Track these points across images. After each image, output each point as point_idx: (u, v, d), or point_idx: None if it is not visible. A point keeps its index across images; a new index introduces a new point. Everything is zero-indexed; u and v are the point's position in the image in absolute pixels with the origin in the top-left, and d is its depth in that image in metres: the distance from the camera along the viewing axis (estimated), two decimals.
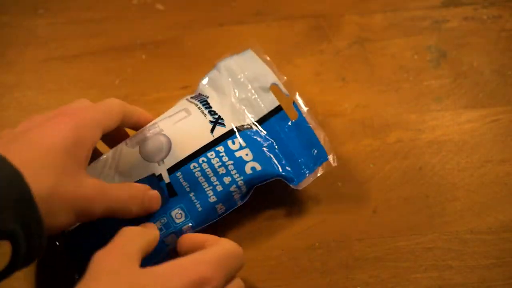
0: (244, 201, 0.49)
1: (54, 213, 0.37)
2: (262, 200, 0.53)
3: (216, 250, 0.39)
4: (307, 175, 0.50)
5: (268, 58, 0.54)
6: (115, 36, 0.67)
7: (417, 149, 0.56)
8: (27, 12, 0.69)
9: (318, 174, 0.50)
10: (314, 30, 0.66)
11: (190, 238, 0.44)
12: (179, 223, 0.46)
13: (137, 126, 0.49)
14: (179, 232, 0.46)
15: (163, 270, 0.37)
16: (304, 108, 0.51)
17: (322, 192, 0.54)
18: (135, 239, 0.40)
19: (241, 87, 0.52)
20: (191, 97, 0.53)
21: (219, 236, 0.43)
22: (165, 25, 0.68)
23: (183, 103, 0.52)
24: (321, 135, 0.51)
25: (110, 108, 0.44)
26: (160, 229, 0.45)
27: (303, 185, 0.50)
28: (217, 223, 0.48)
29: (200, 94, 0.53)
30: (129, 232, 0.40)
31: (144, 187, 0.45)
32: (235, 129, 0.49)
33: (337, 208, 0.53)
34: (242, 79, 0.52)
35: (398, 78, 0.62)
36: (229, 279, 0.39)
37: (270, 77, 0.52)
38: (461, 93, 0.61)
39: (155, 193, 0.45)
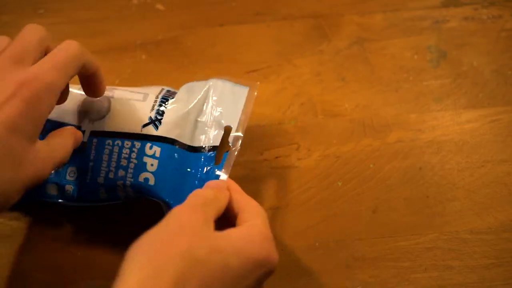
0: (125, 200, 0.49)
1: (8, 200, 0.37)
2: (262, 200, 0.53)
3: (263, 227, 0.40)
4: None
5: (251, 104, 0.52)
6: (115, 36, 0.67)
7: (417, 149, 0.57)
8: (27, 12, 0.69)
9: None
10: (314, 30, 0.66)
11: (242, 199, 0.44)
12: (66, 180, 0.48)
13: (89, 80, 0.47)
14: (61, 188, 0.48)
15: (236, 237, 0.37)
16: (224, 176, 0.48)
17: (322, 192, 0.54)
18: (212, 203, 0.40)
19: (207, 111, 0.51)
20: (167, 90, 0.53)
21: None
22: (165, 25, 0.68)
23: (154, 89, 0.53)
24: None
25: (69, 60, 0.42)
26: (50, 174, 0.47)
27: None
28: None
29: (173, 92, 0.53)
30: (206, 194, 0.41)
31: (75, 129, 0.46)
32: (162, 138, 0.49)
33: (337, 208, 0.53)
34: (213, 106, 0.51)
35: (398, 78, 0.62)
36: None
37: (233, 121, 0.51)
38: (461, 93, 0.61)
39: (80, 134, 0.47)
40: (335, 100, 0.60)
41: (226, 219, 0.42)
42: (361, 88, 0.61)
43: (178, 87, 0.62)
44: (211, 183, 0.45)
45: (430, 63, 0.63)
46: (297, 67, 0.63)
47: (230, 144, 0.50)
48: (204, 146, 0.50)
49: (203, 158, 0.49)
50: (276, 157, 0.56)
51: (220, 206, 0.41)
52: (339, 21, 0.67)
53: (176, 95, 0.52)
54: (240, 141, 0.49)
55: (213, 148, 0.50)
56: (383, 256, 0.50)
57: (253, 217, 0.41)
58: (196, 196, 0.40)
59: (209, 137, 0.50)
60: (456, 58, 0.63)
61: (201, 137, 0.50)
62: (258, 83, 0.52)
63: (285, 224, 0.53)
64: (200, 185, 0.48)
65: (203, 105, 0.51)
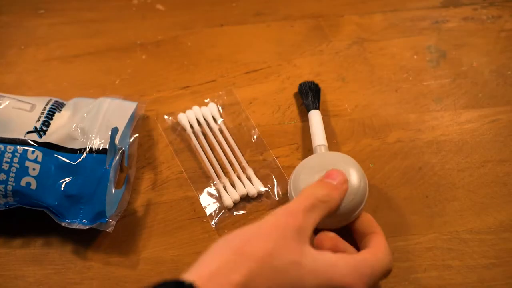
0: (6, 208, 0.50)
1: None
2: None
3: (370, 262, 0.39)
4: (81, 223, 0.49)
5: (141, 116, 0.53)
6: (115, 36, 0.67)
7: (417, 149, 0.57)
8: (27, 12, 0.69)
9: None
10: (313, 30, 0.66)
11: (377, 225, 0.45)
12: None
13: None
14: None
15: (323, 267, 0.37)
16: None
17: None
18: (321, 205, 0.40)
19: (94, 122, 0.52)
20: (56, 101, 0.54)
21: None
22: (165, 25, 0.68)
23: (42, 100, 0.54)
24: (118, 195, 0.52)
25: None
26: None
27: (74, 226, 0.49)
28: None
29: (61, 103, 0.55)
30: (317, 195, 0.41)
31: None
32: (45, 144, 0.50)
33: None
34: (101, 117, 0.52)
35: (398, 78, 0.62)
36: None
37: (120, 125, 0.52)
38: (461, 93, 0.61)
39: None
40: (335, 100, 0.60)
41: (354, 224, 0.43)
42: (361, 88, 0.61)
43: (178, 87, 0.62)
44: (332, 172, 0.44)
45: (430, 63, 0.63)
46: (297, 67, 0.63)
47: (118, 146, 0.51)
48: (91, 148, 0.50)
49: (90, 160, 0.50)
50: (276, 157, 0.56)
51: (331, 206, 0.41)
52: (339, 21, 0.67)
53: (64, 108, 0.54)
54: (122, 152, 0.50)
55: (101, 151, 0.50)
56: None
57: (375, 252, 0.41)
58: (304, 197, 0.40)
59: (96, 142, 0.51)
60: (455, 58, 0.63)
61: (86, 142, 0.51)
62: (145, 104, 0.55)
63: None
64: (90, 186, 0.49)
65: (90, 116, 0.53)
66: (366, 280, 0.38)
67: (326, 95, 0.61)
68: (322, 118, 0.57)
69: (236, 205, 0.53)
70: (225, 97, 0.60)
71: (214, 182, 0.54)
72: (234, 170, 0.55)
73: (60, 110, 0.54)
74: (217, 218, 0.52)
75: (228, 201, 0.53)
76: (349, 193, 0.47)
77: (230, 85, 0.62)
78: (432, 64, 0.63)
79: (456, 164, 0.55)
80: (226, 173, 0.55)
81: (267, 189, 0.54)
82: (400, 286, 0.49)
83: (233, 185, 0.54)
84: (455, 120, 0.59)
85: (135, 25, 0.68)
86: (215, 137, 0.57)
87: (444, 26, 0.66)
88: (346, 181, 0.44)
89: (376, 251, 0.41)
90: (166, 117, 0.59)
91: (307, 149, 0.57)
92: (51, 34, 0.67)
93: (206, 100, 0.60)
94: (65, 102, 0.55)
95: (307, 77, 0.62)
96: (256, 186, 0.53)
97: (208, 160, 0.56)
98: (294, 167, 0.55)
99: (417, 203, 0.53)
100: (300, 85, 0.60)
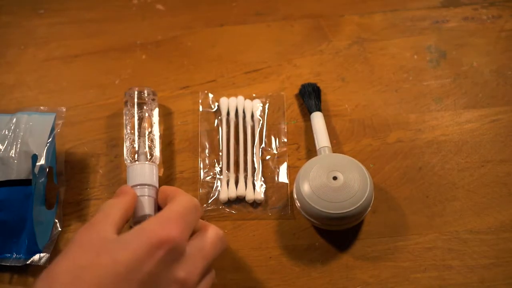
0: None
1: None
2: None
3: (173, 208, 0.41)
4: (15, 259, 0.49)
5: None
6: (115, 36, 0.67)
7: (417, 149, 0.57)
8: (27, 12, 0.69)
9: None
10: (314, 30, 0.66)
11: (161, 191, 0.48)
12: None
13: None
14: None
15: (129, 235, 0.39)
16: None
17: None
18: (111, 212, 0.42)
19: (13, 146, 0.50)
20: None
21: None
22: (165, 25, 0.68)
23: None
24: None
25: None
26: None
27: (8, 263, 0.49)
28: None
29: None
30: (105, 206, 0.43)
31: None
32: None
33: None
34: (20, 140, 0.51)
35: (398, 78, 0.62)
36: (191, 231, 0.41)
37: (40, 150, 0.50)
38: (461, 93, 0.61)
39: None
40: (335, 100, 0.60)
41: None
42: (361, 88, 0.61)
43: (178, 87, 0.62)
44: (119, 189, 0.47)
45: (430, 63, 0.63)
46: (297, 67, 0.63)
47: (44, 165, 0.50)
48: (12, 180, 0.49)
49: (13, 193, 0.49)
50: (277, 157, 0.56)
51: (124, 207, 0.44)
52: (339, 21, 0.67)
53: None
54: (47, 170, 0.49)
55: (24, 182, 0.49)
56: (383, 256, 0.50)
57: (174, 201, 0.42)
58: (98, 211, 0.43)
59: (17, 172, 0.49)
60: (456, 58, 0.63)
61: (7, 172, 0.49)
62: (64, 109, 0.55)
63: (286, 224, 0.53)
64: (16, 220, 0.48)
65: (9, 143, 0.50)
66: (174, 219, 0.40)
67: (326, 95, 0.61)
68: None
69: (230, 202, 0.54)
70: (273, 99, 0.60)
71: (221, 174, 0.55)
72: (245, 170, 0.55)
73: None
74: (205, 206, 0.54)
75: (224, 195, 0.53)
76: (357, 197, 0.48)
77: (230, 85, 0.62)
78: (432, 64, 0.63)
79: (456, 164, 0.55)
80: (236, 169, 0.55)
81: (264, 199, 0.54)
82: (400, 286, 0.49)
83: (236, 183, 0.54)
84: (455, 120, 0.58)
85: (135, 25, 0.68)
86: (244, 133, 0.57)
87: (444, 26, 0.66)
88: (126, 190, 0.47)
89: (174, 200, 0.43)
90: (210, 95, 0.60)
91: (308, 149, 0.57)
92: (51, 34, 0.67)
93: (253, 95, 0.60)
94: None
95: (307, 77, 0.62)
96: (256, 194, 0.53)
97: (227, 151, 0.56)
98: (294, 167, 0.56)
99: (417, 203, 0.53)
100: (302, 86, 0.60)
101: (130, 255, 0.37)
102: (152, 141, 0.54)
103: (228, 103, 0.59)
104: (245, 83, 0.62)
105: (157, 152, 0.53)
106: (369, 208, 0.50)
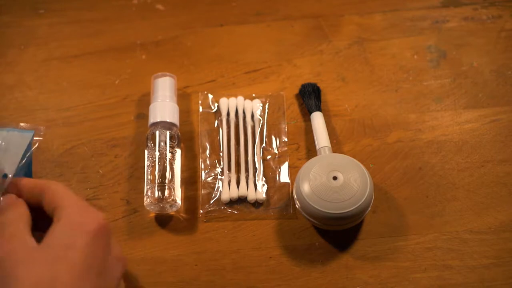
0: None
1: None
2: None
3: (75, 198, 0.41)
4: None
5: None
6: (115, 36, 0.67)
7: (417, 149, 0.57)
8: (27, 12, 0.69)
9: None
10: (313, 30, 0.66)
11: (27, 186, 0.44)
12: None
13: None
14: None
15: (60, 234, 0.38)
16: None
17: None
18: (17, 220, 0.40)
19: None
20: None
21: None
22: (165, 25, 0.68)
23: None
24: None
25: None
26: None
27: None
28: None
29: None
30: (10, 216, 0.41)
31: None
32: None
33: None
34: None
35: (398, 78, 0.62)
36: None
37: (12, 168, 0.47)
38: (461, 93, 0.61)
39: None
40: (335, 100, 0.60)
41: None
42: (361, 88, 0.61)
43: (178, 87, 0.62)
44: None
45: (430, 63, 0.63)
46: (297, 67, 0.63)
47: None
48: None
49: None
50: (277, 157, 0.56)
51: (11, 217, 0.41)
52: (339, 21, 0.67)
53: None
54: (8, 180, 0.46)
55: None
56: (383, 256, 0.50)
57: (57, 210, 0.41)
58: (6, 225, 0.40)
59: None
60: (456, 58, 0.63)
61: None
62: (43, 128, 0.51)
63: (286, 224, 0.53)
64: None
65: None
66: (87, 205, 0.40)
67: (326, 95, 0.61)
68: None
69: (232, 203, 0.54)
70: (273, 99, 0.60)
71: (222, 174, 0.55)
72: (246, 170, 0.55)
73: None
74: (207, 207, 0.53)
75: (225, 195, 0.53)
76: (357, 197, 0.48)
77: (230, 85, 0.62)
78: (432, 64, 0.63)
79: (456, 164, 0.55)
80: (237, 170, 0.55)
81: (266, 199, 0.54)
82: (400, 286, 0.49)
83: (238, 183, 0.54)
84: (455, 120, 0.59)
85: (135, 25, 0.68)
86: (244, 133, 0.57)
87: (444, 26, 0.66)
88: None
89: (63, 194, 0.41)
90: (210, 95, 0.60)
91: (308, 149, 0.57)
92: (51, 34, 0.67)
93: (253, 95, 0.60)
94: None
95: (307, 77, 0.62)
96: (258, 194, 0.53)
97: (227, 151, 0.56)
98: (294, 167, 0.56)
99: (417, 203, 0.53)
100: (302, 86, 0.60)
101: (79, 253, 0.37)
102: (170, 189, 0.52)
103: (228, 104, 0.59)
104: (245, 83, 0.62)
105: (177, 197, 0.53)
106: (369, 208, 0.50)
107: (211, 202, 0.54)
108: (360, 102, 0.60)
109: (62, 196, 0.41)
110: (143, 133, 0.58)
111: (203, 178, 0.55)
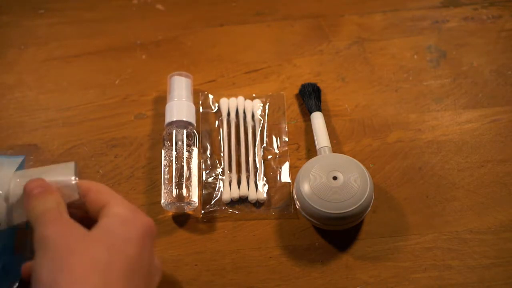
0: None
1: None
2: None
3: (122, 201, 0.42)
4: None
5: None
6: (115, 36, 0.67)
7: (417, 149, 0.57)
8: (27, 12, 0.69)
9: None
10: (313, 30, 0.66)
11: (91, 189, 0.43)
12: None
13: None
14: None
15: (113, 226, 0.39)
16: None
17: None
18: (59, 205, 0.40)
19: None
20: None
21: None
22: (165, 25, 0.68)
23: None
24: None
25: None
26: None
27: None
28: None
29: None
30: (49, 204, 0.40)
31: None
32: None
33: None
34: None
35: (398, 78, 0.62)
36: None
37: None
38: (461, 93, 0.61)
39: None
40: (335, 100, 0.60)
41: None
42: (361, 88, 0.61)
43: None
44: (28, 186, 0.42)
45: (430, 63, 0.63)
46: (297, 67, 0.63)
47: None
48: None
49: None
50: (278, 157, 0.56)
51: (53, 200, 0.40)
52: (339, 21, 0.67)
53: None
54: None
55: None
56: (383, 256, 0.50)
57: (108, 208, 0.41)
58: (46, 211, 0.39)
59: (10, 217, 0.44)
60: (456, 58, 0.63)
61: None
62: (32, 157, 0.52)
63: (286, 224, 0.53)
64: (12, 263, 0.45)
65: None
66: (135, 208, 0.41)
67: (326, 95, 0.61)
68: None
69: (233, 203, 0.54)
70: (273, 99, 0.60)
71: (223, 174, 0.55)
72: (247, 170, 0.55)
73: None
74: (208, 207, 0.53)
75: (226, 196, 0.53)
76: (357, 197, 0.48)
77: (230, 85, 0.62)
78: (432, 64, 0.63)
79: (456, 164, 0.55)
80: (238, 170, 0.55)
81: (267, 199, 0.54)
82: (400, 286, 0.49)
83: (238, 183, 0.54)
84: (455, 120, 0.59)
85: (135, 25, 0.68)
86: (245, 133, 0.57)
87: (444, 26, 0.66)
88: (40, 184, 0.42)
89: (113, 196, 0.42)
90: (210, 96, 0.60)
91: (308, 149, 0.57)
92: (51, 34, 0.67)
93: (254, 95, 0.60)
94: None
95: (307, 77, 0.62)
96: (259, 194, 0.53)
97: (228, 151, 0.56)
98: (294, 167, 0.56)
99: (417, 203, 0.53)
100: (302, 86, 0.60)
101: (134, 248, 0.38)
102: (188, 187, 0.52)
103: (228, 104, 0.59)
104: (245, 83, 0.62)
105: (194, 196, 0.53)
106: (369, 208, 0.50)
107: (212, 202, 0.54)
108: (360, 102, 0.60)
109: (109, 195, 0.42)
110: (143, 133, 0.58)
111: (204, 178, 0.55)
